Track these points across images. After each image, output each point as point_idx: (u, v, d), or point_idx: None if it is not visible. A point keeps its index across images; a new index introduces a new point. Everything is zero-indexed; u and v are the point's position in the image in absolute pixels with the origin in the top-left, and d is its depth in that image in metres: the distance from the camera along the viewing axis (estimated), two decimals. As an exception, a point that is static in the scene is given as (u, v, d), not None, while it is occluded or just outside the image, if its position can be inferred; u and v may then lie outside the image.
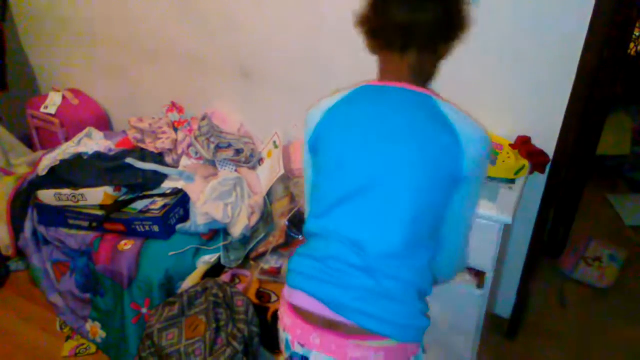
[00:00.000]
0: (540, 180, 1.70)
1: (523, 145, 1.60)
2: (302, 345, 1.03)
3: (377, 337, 0.98)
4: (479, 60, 1.63)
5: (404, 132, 0.99)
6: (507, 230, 1.48)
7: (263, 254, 1.89)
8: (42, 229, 2.15)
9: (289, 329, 1.06)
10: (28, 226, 2.21)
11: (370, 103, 1.03)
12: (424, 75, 1.05)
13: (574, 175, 2.17)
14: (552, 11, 1.45)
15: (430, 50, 1.03)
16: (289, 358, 1.08)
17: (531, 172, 1.62)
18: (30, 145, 2.90)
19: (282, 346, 1.10)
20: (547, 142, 1.62)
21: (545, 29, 1.48)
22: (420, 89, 1.02)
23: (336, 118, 1.06)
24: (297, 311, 1.04)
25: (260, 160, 2.20)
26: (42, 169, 2.20)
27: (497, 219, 1.39)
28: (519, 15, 1.51)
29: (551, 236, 2.44)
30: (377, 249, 1.00)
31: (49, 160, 2.24)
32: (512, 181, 1.52)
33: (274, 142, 2.14)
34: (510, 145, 1.62)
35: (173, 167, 2.25)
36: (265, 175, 2.13)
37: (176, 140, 2.30)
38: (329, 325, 1.00)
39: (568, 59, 1.48)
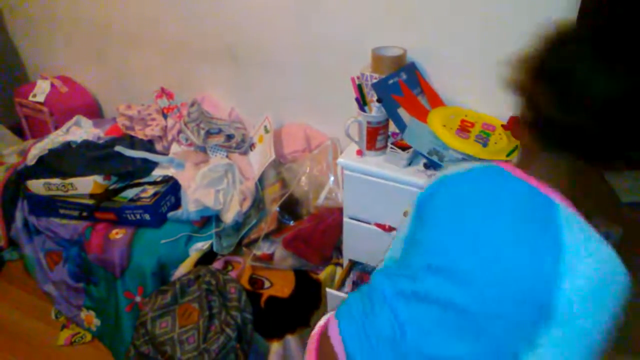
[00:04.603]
0: (533, 160, 1.67)
1: (516, 125, 1.58)
2: None
3: None
4: (469, 39, 1.59)
5: (502, 243, 0.80)
6: (499, 212, 1.46)
7: (255, 240, 1.87)
8: (32, 219, 2.13)
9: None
10: (19, 216, 2.19)
11: (480, 203, 0.86)
12: (567, 183, 0.82)
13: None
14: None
15: (584, 156, 0.80)
16: None
17: (524, 153, 1.59)
18: (21, 134, 2.87)
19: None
20: (540, 121, 1.60)
21: (537, 6, 1.44)
22: (551, 192, 0.81)
23: (445, 198, 0.93)
24: (321, 348, 1.00)
25: (252, 146, 2.17)
26: (31, 158, 2.18)
27: (488, 201, 1.37)
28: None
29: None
30: (429, 355, 0.86)
31: (37, 149, 2.21)
32: (504, 162, 1.50)
33: (265, 127, 2.11)
34: (503, 125, 1.59)
35: (163, 154, 2.23)
36: (257, 161, 2.11)
37: (166, 127, 2.27)
38: None
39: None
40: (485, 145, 1.50)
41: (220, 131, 2.16)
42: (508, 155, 1.50)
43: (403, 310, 0.90)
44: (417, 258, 0.93)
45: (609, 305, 0.73)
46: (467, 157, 1.48)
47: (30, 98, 2.66)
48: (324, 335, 1.00)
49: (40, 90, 2.67)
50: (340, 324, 0.98)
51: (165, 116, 2.31)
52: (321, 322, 1.06)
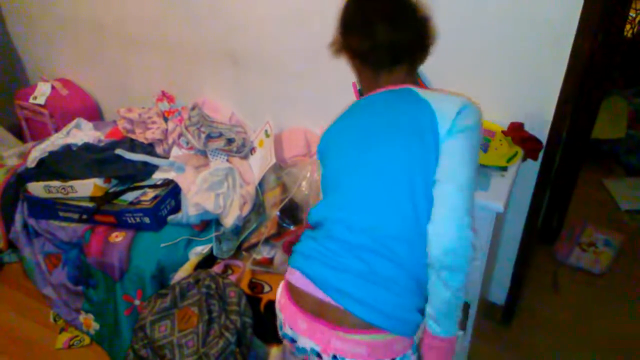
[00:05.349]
0: (533, 166, 1.68)
1: (516, 131, 1.58)
2: (291, 328, 1.08)
3: (362, 330, 0.99)
4: (470, 47, 1.60)
5: (388, 126, 1.09)
6: (499, 218, 1.47)
7: (255, 245, 1.87)
8: (32, 222, 2.13)
9: (282, 309, 1.11)
10: (18, 218, 2.19)
11: (359, 113, 1.18)
12: (408, 81, 1.16)
13: (568, 161, 2.16)
14: (545, -6, 1.42)
15: (412, 62, 1.18)
16: (281, 337, 1.13)
17: (524, 159, 1.60)
18: (21, 137, 2.87)
19: (278, 323, 1.15)
20: (540, 128, 1.60)
21: (537, 13, 1.45)
22: (400, 86, 1.13)
23: (334, 131, 1.21)
24: (292, 291, 1.09)
25: (252, 150, 2.17)
26: (31, 160, 2.18)
27: (489, 207, 1.37)
28: (510, 0, 1.48)
29: (545, 222, 2.43)
30: (380, 231, 1.03)
31: (37, 151, 2.21)
32: (505, 168, 1.50)
33: (266, 131, 2.11)
34: (503, 131, 1.60)
35: (163, 157, 2.23)
36: (257, 165, 2.11)
37: (166, 130, 2.27)
38: (318, 312, 1.03)
39: (561, 43, 1.45)
40: (485, 150, 1.50)
41: (220, 135, 2.16)
42: (508, 160, 1.51)
43: (349, 215, 1.07)
44: (341, 174, 1.13)
45: (475, 123, 1.06)
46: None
47: (31, 100, 2.66)
48: (291, 287, 1.10)
49: (41, 93, 2.67)
50: (302, 268, 1.08)
51: (166, 119, 2.31)
52: (281, 289, 1.15)
